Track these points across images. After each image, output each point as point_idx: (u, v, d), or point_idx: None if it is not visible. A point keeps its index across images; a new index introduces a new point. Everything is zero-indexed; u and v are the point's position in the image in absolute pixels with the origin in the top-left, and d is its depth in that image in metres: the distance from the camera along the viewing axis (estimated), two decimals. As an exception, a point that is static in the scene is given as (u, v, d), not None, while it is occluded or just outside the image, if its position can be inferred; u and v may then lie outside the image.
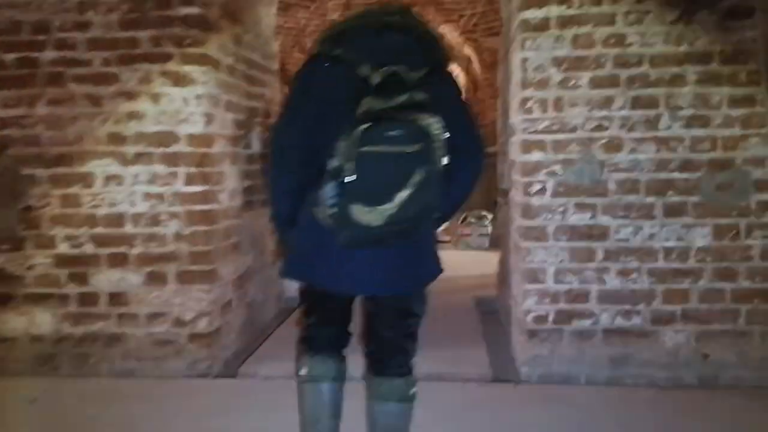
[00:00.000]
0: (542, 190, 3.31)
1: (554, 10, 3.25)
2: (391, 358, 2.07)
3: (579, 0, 3.24)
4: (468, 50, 10.48)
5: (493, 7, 10.02)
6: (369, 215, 1.74)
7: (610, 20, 3.24)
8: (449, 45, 10.81)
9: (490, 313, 4.85)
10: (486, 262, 6.69)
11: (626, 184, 3.28)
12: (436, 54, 1.96)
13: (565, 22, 3.25)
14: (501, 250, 4.60)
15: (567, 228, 3.32)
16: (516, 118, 3.45)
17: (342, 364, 2.14)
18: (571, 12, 3.25)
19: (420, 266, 2.00)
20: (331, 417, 2.10)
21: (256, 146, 4.49)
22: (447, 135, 1.75)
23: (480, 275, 6.11)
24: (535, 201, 3.32)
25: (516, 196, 3.50)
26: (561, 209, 3.31)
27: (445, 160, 1.77)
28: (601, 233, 3.31)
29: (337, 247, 1.82)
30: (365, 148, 1.70)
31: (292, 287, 5.43)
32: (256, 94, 4.38)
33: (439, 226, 2.15)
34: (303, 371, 2.11)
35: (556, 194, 3.31)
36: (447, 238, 8.38)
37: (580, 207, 3.30)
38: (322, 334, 2.12)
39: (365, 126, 1.70)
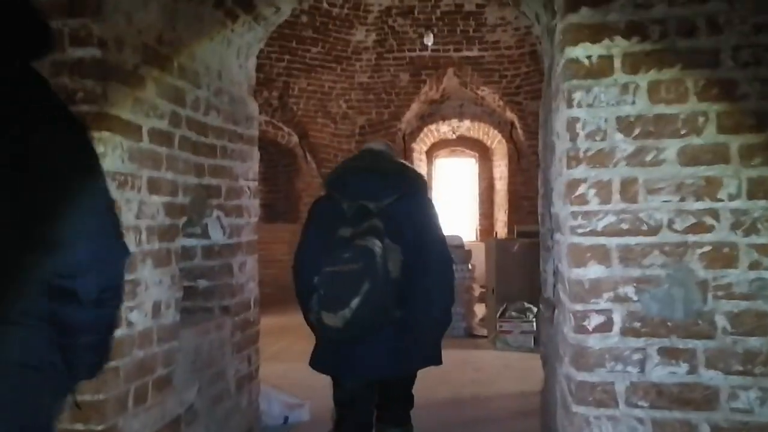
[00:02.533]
0: (606, 326, 2.08)
1: (620, 45, 2.09)
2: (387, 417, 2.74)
3: (659, 29, 2.08)
4: (510, 114, 9.39)
5: (539, 67, 8.97)
6: (333, 319, 2.29)
7: (712, 59, 2.05)
8: (492, 110, 9.78)
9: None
10: (530, 371, 5.35)
11: (746, 318, 2.02)
12: (406, 188, 2.52)
13: (637, 63, 2.08)
14: (544, 381, 3.31)
15: (648, 387, 2.05)
16: (562, 209, 2.25)
17: None
18: (647, 47, 2.08)
19: (404, 357, 2.47)
20: None
21: (216, 235, 3.40)
22: (399, 250, 2.37)
23: (521, 393, 4.78)
24: (595, 342, 2.08)
25: (565, 330, 2.26)
26: (637, 357, 2.06)
27: (394, 272, 2.34)
28: (706, 398, 2.03)
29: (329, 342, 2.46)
30: (328, 268, 2.32)
31: (273, 412, 4.25)
32: (215, 169, 3.32)
33: (437, 325, 2.56)
34: None
35: (628, 332, 2.07)
36: (484, 332, 7.07)
37: (670, 354, 2.05)
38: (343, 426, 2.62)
39: (332, 250, 2.34)
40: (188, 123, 3.01)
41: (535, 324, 6.31)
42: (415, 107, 9.61)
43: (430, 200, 2.64)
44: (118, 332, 2.44)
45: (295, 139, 9.47)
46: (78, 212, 1.27)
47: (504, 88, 9.16)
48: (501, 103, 9.34)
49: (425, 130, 10.31)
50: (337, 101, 9.32)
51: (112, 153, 2.41)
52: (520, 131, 9.45)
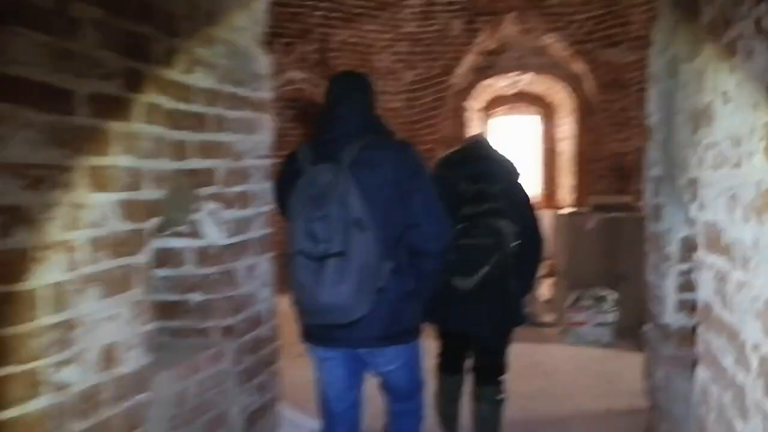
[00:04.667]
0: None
1: None
2: (484, 374, 3.04)
3: None
4: (578, 66, 8.22)
5: (615, 9, 7.74)
6: (463, 282, 2.77)
7: None
8: (554, 59, 8.60)
9: None
10: (610, 377, 4.46)
11: None
12: (509, 174, 2.98)
13: None
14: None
15: None
16: (741, 229, 1.30)
17: (459, 376, 3.15)
18: None
19: (501, 318, 2.92)
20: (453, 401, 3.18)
21: (212, 235, 2.58)
22: (514, 229, 2.80)
23: (607, 414, 3.86)
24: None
25: (707, 422, 1.32)
26: None
27: (513, 246, 2.80)
28: None
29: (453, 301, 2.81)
30: (461, 241, 2.69)
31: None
32: (206, 146, 2.47)
33: (523, 290, 3.01)
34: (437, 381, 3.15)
35: None
36: (550, 319, 6.15)
37: None
38: (446, 360, 3.15)
39: (462, 225, 2.72)
40: (158, 84, 2.15)
41: (613, 315, 5.35)
42: (468, 60, 8.53)
43: (523, 185, 3.05)
44: (40, 403, 1.65)
45: (335, 98, 8.55)
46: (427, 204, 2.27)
47: (572, 35, 7.98)
48: (567, 52, 8.17)
49: (480, 85, 9.20)
50: (381, 54, 8.33)
51: (11, 137, 1.57)
52: (589, 83, 8.28)
